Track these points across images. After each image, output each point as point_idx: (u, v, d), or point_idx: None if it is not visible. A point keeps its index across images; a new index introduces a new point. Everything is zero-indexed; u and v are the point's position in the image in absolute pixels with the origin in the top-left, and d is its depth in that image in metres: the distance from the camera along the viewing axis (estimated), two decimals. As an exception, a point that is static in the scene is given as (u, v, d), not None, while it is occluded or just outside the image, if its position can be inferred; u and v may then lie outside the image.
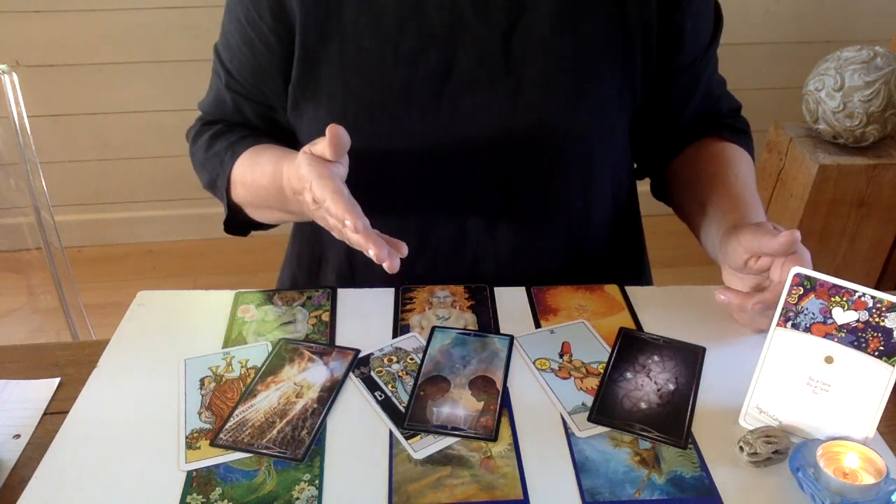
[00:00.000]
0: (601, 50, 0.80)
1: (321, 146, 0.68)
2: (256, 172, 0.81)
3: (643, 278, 0.99)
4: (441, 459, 0.61)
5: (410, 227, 0.84)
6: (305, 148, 0.70)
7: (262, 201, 0.84)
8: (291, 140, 0.87)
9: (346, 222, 0.64)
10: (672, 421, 0.65)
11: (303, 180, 0.68)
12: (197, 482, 0.59)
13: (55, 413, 0.67)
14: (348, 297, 0.81)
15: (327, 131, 0.66)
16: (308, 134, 0.84)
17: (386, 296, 0.82)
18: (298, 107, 0.83)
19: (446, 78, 0.79)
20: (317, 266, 0.93)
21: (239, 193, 0.85)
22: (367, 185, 0.84)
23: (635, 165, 0.97)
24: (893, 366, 0.58)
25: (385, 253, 0.64)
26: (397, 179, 0.83)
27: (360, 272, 0.89)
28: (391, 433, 0.64)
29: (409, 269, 0.86)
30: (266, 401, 0.67)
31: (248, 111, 0.87)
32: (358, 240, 0.65)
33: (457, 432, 0.64)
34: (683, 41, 0.83)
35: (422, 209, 0.84)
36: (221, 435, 0.63)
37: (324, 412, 0.66)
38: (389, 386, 0.69)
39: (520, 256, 0.86)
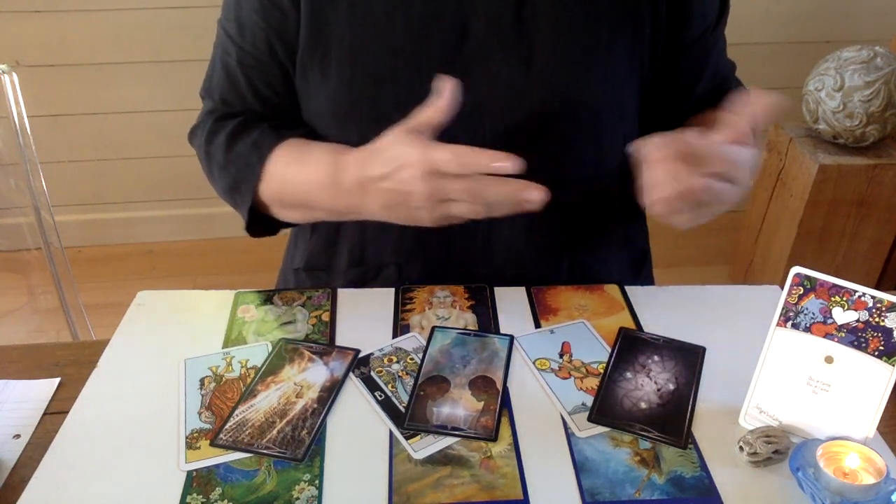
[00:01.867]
0: (611, 18, 0.79)
1: (425, 114, 0.67)
2: (300, 170, 0.78)
3: (646, 262, 0.99)
4: (441, 459, 0.61)
5: None
6: (395, 129, 0.69)
7: (302, 199, 0.80)
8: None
9: (500, 163, 0.64)
10: (672, 421, 0.65)
11: (398, 159, 0.66)
12: (197, 482, 0.59)
13: (55, 413, 0.67)
14: (348, 297, 0.81)
15: (440, 83, 0.66)
16: (316, 101, 0.82)
17: (386, 296, 0.82)
18: (306, 74, 0.81)
19: (458, 44, 0.78)
20: (334, 242, 0.91)
21: (271, 191, 0.82)
22: None
23: None
24: (893, 366, 0.58)
25: (536, 193, 0.66)
26: None
27: (371, 247, 0.88)
28: (391, 433, 0.64)
29: (422, 241, 0.86)
30: (266, 401, 0.67)
31: (263, 87, 0.84)
32: (509, 189, 0.65)
33: (457, 432, 0.64)
34: (692, 13, 0.82)
35: None
36: (221, 435, 0.63)
37: (324, 412, 0.66)
38: (389, 386, 0.69)
39: (532, 228, 0.85)
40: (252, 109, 0.86)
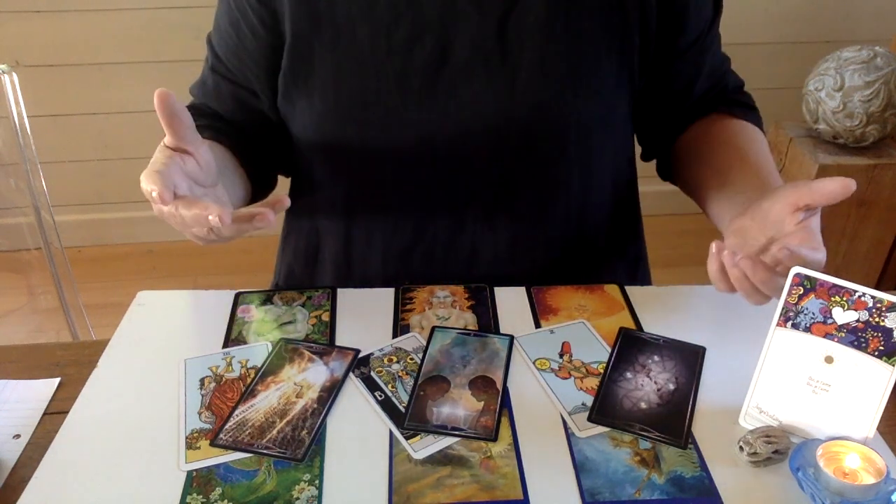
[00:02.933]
0: (597, 33, 0.79)
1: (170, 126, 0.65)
2: None
3: (640, 268, 0.99)
4: (441, 459, 0.61)
5: (408, 218, 0.84)
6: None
7: None
8: (270, 129, 0.86)
9: (153, 193, 0.60)
10: (672, 421, 0.65)
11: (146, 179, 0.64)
12: (197, 482, 0.59)
13: (55, 413, 0.67)
14: (348, 297, 0.81)
15: (155, 96, 0.62)
16: (301, 123, 0.83)
17: (386, 296, 0.82)
18: (290, 96, 0.82)
19: (442, 66, 0.78)
20: (313, 258, 0.93)
21: None
22: (364, 175, 0.84)
23: (640, 150, 0.95)
24: (893, 366, 0.58)
25: (227, 213, 0.61)
26: (394, 169, 0.82)
27: (357, 262, 0.89)
28: (391, 433, 0.64)
29: (406, 260, 0.86)
30: (266, 401, 0.67)
31: (226, 92, 0.85)
32: (168, 210, 0.61)
33: (457, 432, 0.64)
34: (687, 18, 0.82)
35: (419, 199, 0.84)
36: (221, 435, 0.63)
37: (324, 412, 0.66)
38: (389, 386, 0.69)
39: (518, 247, 0.86)
40: (218, 114, 0.87)
